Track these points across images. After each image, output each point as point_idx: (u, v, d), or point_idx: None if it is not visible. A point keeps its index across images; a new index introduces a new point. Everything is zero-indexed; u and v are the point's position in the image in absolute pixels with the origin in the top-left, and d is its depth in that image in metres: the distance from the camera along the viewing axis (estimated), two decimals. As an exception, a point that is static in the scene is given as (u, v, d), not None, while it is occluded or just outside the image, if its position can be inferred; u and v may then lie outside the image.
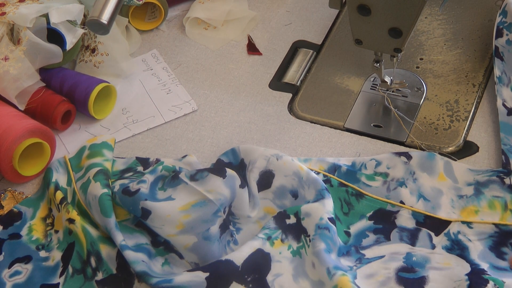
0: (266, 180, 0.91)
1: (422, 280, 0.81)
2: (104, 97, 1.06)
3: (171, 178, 0.89)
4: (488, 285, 0.78)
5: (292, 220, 0.87)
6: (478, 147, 0.95)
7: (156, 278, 0.82)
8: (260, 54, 1.13)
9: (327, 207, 0.86)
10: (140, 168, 0.97)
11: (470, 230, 0.85)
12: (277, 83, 1.08)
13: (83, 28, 1.06)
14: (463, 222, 0.86)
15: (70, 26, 1.04)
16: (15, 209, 0.94)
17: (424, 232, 0.86)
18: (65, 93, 1.05)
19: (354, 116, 1.01)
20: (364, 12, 0.87)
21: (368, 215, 0.89)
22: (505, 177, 0.88)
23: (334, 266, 0.80)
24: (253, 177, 0.91)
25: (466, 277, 0.80)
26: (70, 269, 0.87)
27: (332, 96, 1.05)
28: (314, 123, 1.02)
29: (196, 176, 0.88)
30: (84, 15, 1.07)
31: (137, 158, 0.98)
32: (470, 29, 1.10)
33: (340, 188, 0.91)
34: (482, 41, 1.08)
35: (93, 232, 0.89)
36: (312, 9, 1.19)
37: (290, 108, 1.05)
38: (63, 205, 0.91)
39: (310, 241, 0.84)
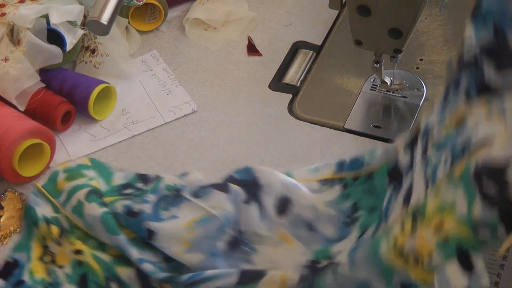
0: (283, 206, 0.87)
1: None
2: (104, 98, 1.06)
3: (174, 197, 0.88)
4: None
5: (323, 264, 0.83)
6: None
7: (185, 275, 0.80)
8: (260, 55, 1.13)
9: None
10: (140, 185, 0.94)
11: None
12: (277, 84, 1.08)
13: (83, 28, 1.06)
14: None
15: (70, 27, 1.04)
16: (9, 259, 0.90)
17: None
18: (65, 94, 1.05)
19: (354, 116, 1.01)
20: (364, 13, 0.87)
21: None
22: None
23: None
24: (270, 200, 0.87)
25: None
26: None
27: (332, 97, 1.05)
28: (314, 124, 1.02)
29: (199, 192, 0.86)
30: (84, 16, 1.07)
31: (137, 174, 0.96)
32: (470, 30, 1.10)
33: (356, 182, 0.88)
34: (482, 42, 1.08)
35: (104, 257, 0.86)
36: (312, 10, 1.19)
37: (290, 109, 1.05)
38: (63, 238, 0.88)
39: None
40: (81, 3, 1.07)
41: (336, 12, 1.16)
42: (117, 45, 1.11)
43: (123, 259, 0.85)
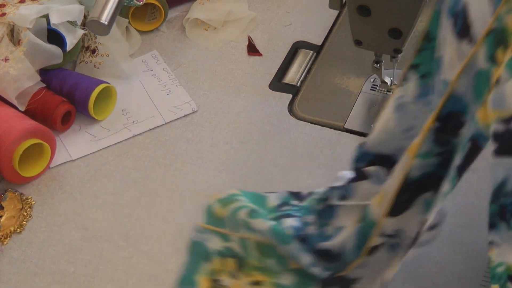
0: None
1: None
2: (104, 98, 1.06)
3: (326, 210, 0.84)
4: None
5: None
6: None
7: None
8: (260, 55, 1.13)
9: None
10: (294, 202, 0.90)
11: None
12: (277, 83, 1.08)
13: (83, 28, 1.06)
14: None
15: (70, 27, 1.04)
16: None
17: None
18: (65, 94, 1.05)
19: (354, 117, 1.01)
20: (364, 13, 0.87)
21: None
22: None
23: None
24: None
25: None
26: None
27: (332, 97, 1.05)
28: (314, 124, 1.02)
29: (343, 192, 0.82)
30: (84, 16, 1.07)
31: (289, 192, 0.92)
32: (470, 30, 1.10)
33: None
34: (482, 42, 1.08)
35: (285, 281, 0.83)
36: (312, 10, 1.19)
37: (290, 109, 1.05)
38: (240, 271, 0.85)
39: None
40: (81, 3, 1.08)
41: (336, 12, 1.16)
42: (117, 45, 1.11)
43: (305, 278, 0.82)
